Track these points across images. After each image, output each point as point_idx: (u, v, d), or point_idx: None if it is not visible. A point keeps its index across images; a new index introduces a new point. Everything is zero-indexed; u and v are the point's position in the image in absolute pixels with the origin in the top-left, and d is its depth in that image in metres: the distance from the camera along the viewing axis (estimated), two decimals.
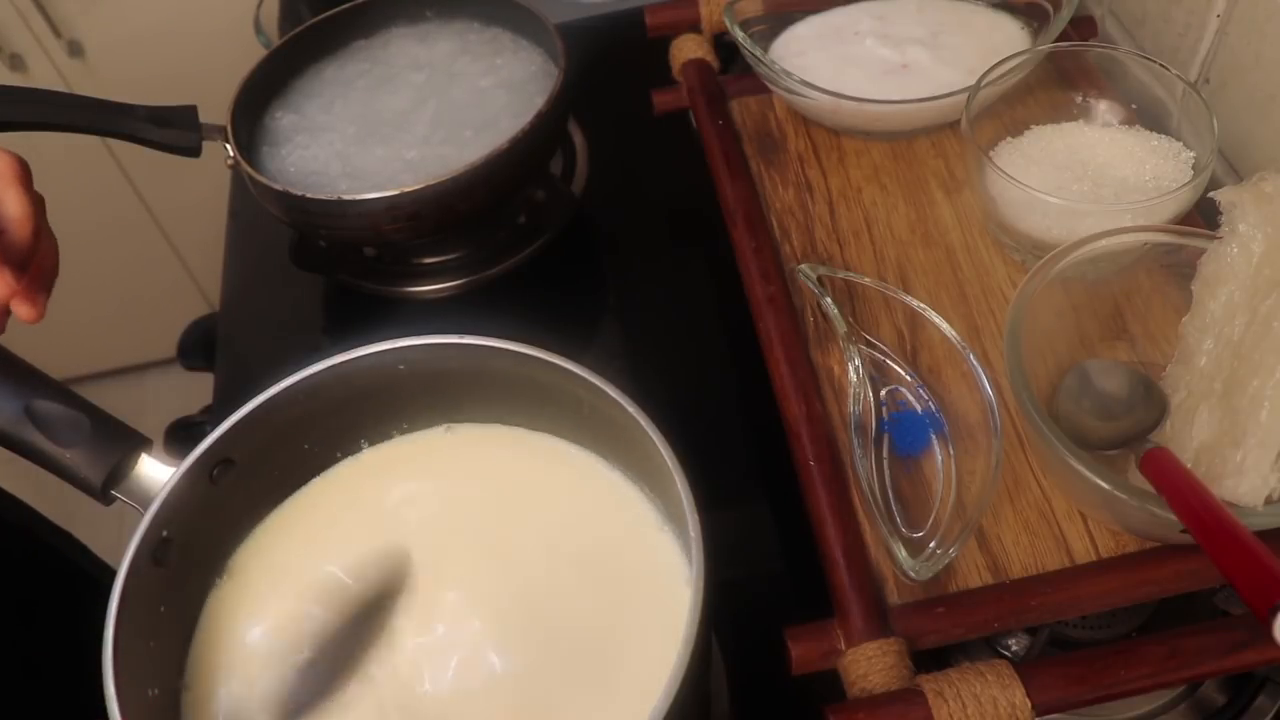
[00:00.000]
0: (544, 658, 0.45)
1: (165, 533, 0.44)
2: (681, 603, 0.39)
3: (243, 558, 0.49)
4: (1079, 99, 0.64)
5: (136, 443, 0.45)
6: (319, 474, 0.52)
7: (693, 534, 0.41)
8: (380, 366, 0.48)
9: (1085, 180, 0.59)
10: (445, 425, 0.53)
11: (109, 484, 0.44)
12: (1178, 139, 0.58)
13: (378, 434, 0.52)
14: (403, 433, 0.53)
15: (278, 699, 0.45)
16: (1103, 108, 0.64)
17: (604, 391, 0.45)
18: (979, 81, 0.60)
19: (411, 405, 0.51)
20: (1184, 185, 0.54)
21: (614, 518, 0.49)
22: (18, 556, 0.77)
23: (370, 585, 0.48)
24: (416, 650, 0.46)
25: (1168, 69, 0.59)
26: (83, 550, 0.85)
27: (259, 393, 0.47)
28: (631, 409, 0.44)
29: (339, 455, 0.52)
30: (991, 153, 0.62)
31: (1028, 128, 0.63)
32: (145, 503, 0.44)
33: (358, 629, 0.47)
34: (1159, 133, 0.60)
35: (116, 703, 0.38)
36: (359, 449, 0.52)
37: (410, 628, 0.47)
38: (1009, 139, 0.63)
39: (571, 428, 0.50)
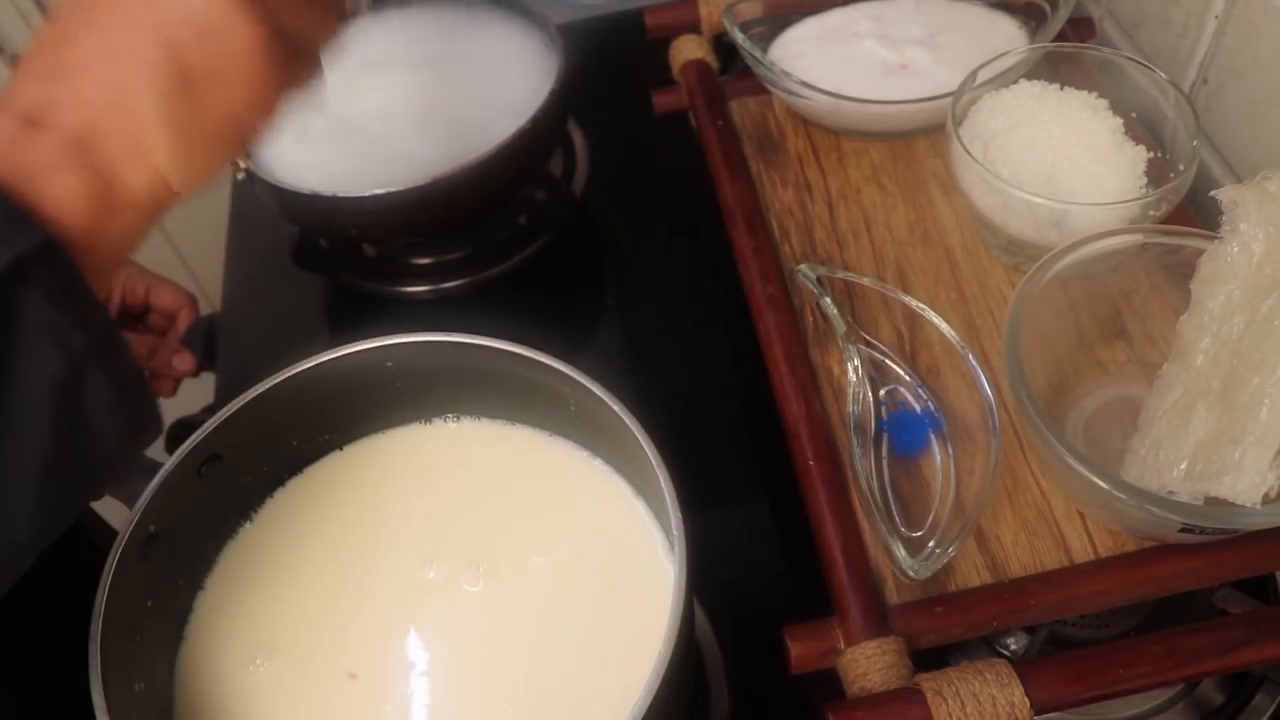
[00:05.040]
0: (532, 648, 0.45)
1: (152, 528, 0.44)
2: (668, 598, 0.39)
3: (231, 552, 0.49)
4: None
5: None
6: (307, 469, 0.52)
7: (675, 531, 0.41)
8: (367, 363, 0.48)
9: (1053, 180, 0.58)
10: (432, 420, 0.53)
11: None
12: (1173, 142, 0.58)
13: (365, 429, 0.53)
14: (390, 427, 0.53)
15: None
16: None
17: (586, 388, 0.45)
18: (969, 79, 0.60)
19: (398, 401, 0.52)
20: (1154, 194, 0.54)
21: (603, 512, 0.49)
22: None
23: (359, 577, 0.48)
24: (404, 640, 0.46)
25: (1156, 71, 0.58)
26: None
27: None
28: (614, 405, 0.44)
29: (327, 450, 0.52)
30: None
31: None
32: (132, 498, 0.44)
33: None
34: (1154, 135, 0.59)
35: (103, 695, 0.38)
36: (347, 444, 0.53)
37: (396, 619, 0.47)
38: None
39: (560, 424, 0.51)
